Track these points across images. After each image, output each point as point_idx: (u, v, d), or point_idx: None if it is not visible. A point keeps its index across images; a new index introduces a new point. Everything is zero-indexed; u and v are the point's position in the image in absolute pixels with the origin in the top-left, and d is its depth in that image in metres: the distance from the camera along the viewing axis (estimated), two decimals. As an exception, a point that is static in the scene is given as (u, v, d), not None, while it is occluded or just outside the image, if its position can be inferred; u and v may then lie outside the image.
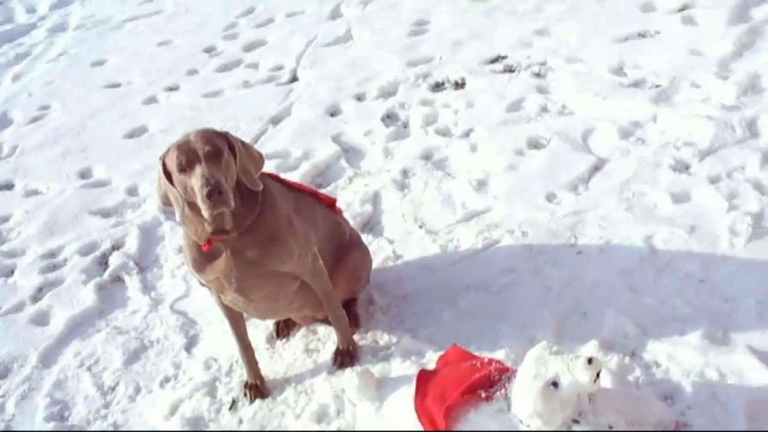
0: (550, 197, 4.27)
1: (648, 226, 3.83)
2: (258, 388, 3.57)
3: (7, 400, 3.97)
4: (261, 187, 3.17)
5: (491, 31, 6.37)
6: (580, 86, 5.20)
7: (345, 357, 3.57)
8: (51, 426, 3.72)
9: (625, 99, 4.90)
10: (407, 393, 2.87)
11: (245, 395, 3.57)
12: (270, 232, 3.21)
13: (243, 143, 3.16)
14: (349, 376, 3.03)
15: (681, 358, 3.08)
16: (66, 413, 3.81)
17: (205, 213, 2.95)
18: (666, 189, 4.03)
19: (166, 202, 3.17)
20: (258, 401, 3.54)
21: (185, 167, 2.96)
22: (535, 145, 4.78)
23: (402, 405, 2.87)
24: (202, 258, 3.24)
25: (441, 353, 3.18)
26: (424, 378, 2.89)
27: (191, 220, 3.13)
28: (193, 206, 3.05)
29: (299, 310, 3.60)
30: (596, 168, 4.41)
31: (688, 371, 3.01)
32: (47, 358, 4.18)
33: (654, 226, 3.82)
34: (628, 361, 3.13)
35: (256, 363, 3.61)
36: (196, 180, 2.92)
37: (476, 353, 3.06)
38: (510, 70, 5.71)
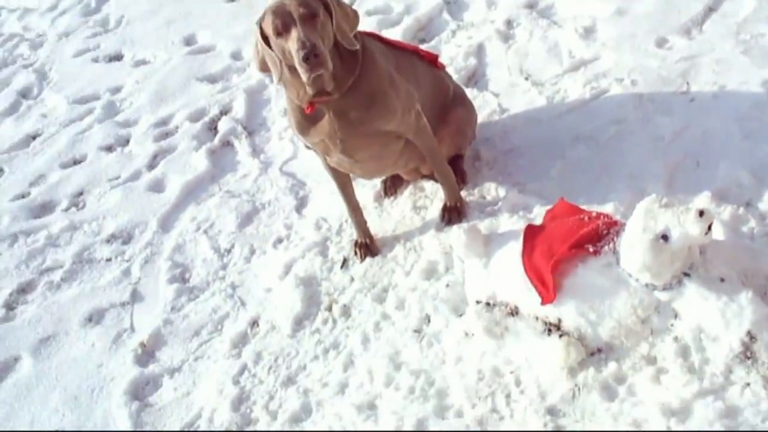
0: (661, 42, 4.09)
1: (767, 70, 3.63)
2: (368, 247, 3.62)
3: (132, 264, 4.15)
4: (358, 46, 3.12)
5: None
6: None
7: (453, 213, 3.57)
8: (174, 287, 3.89)
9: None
10: (515, 248, 2.87)
11: (355, 254, 3.64)
12: (371, 91, 3.19)
13: (338, 2, 3.10)
14: (457, 232, 3.03)
15: (801, 209, 2.98)
16: (187, 275, 3.97)
17: (304, 76, 2.94)
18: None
19: (264, 68, 3.17)
20: (368, 259, 3.60)
21: (281, 31, 2.93)
22: (644, -10, 4.56)
23: (510, 260, 2.87)
24: (306, 121, 3.25)
25: (548, 207, 3.15)
26: (531, 233, 2.88)
27: (292, 83, 3.13)
28: (292, 70, 3.04)
29: (405, 166, 3.60)
30: (711, 9, 4.17)
31: (807, 220, 2.91)
32: (166, 224, 4.34)
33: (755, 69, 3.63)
34: (742, 212, 3.03)
35: (365, 222, 3.65)
36: (292, 43, 2.90)
37: (584, 207, 3.01)
38: None
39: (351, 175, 3.59)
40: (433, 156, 3.51)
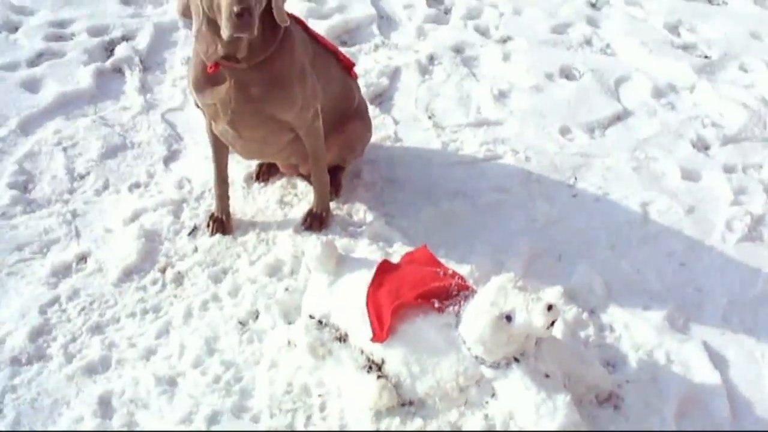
0: (564, 131, 4.17)
1: (649, 193, 3.75)
2: (222, 223, 3.53)
3: (-23, 149, 3.93)
4: (288, 23, 3.05)
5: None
6: (631, 31, 5.04)
7: (315, 221, 3.52)
8: (11, 194, 3.69)
9: (671, 59, 4.75)
10: (364, 277, 2.84)
11: (208, 226, 3.54)
12: (280, 74, 3.11)
13: None
14: (314, 242, 2.98)
15: (636, 331, 3.05)
16: (30, 186, 3.79)
17: (225, 33, 2.84)
18: (679, 162, 3.92)
19: (186, 13, 3.05)
20: (218, 236, 3.50)
21: None
22: (567, 74, 4.65)
23: (355, 287, 2.83)
24: (205, 80, 3.14)
25: (409, 249, 3.15)
26: (385, 268, 2.86)
27: (205, 37, 3.02)
28: (211, 23, 2.93)
29: (286, 159, 3.54)
30: (618, 118, 4.29)
31: (639, 346, 2.98)
32: (27, 126, 4.14)
33: (655, 194, 3.74)
34: (585, 317, 3.10)
35: (228, 198, 3.56)
36: None
37: (443, 261, 3.03)
38: (568, -9, 5.52)
39: (230, 148, 3.49)
40: (316, 159, 3.45)
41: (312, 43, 3.36)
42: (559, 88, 4.50)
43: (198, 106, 3.35)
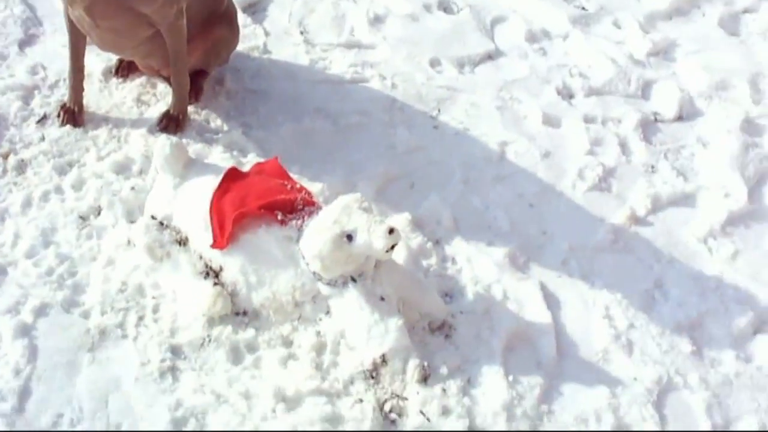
0: (434, 62, 4.16)
1: (509, 133, 3.79)
2: (73, 114, 3.40)
3: None
4: None
5: None
6: (514, -29, 5.04)
7: (171, 123, 3.43)
8: None
9: (550, 5, 4.76)
10: (210, 183, 2.79)
11: (58, 116, 3.41)
12: None
13: None
14: (164, 142, 2.90)
15: (478, 265, 3.10)
16: None
17: None
18: (542, 107, 3.96)
19: None
20: (68, 127, 3.39)
21: None
22: (445, 7, 4.62)
23: (201, 192, 2.79)
24: None
25: (261, 160, 3.11)
26: (232, 176, 2.81)
27: None
28: None
29: (143, 58, 3.42)
30: (490, 57, 4.30)
31: (478, 280, 3.03)
32: None
33: (515, 135, 3.78)
34: (429, 247, 3.13)
35: (82, 90, 3.42)
36: None
37: (296, 177, 3.00)
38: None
39: (87, 38, 3.34)
40: (177, 60, 3.35)
41: None
42: (435, 20, 4.48)
43: None
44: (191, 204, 2.79)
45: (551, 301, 3.04)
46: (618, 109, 4.07)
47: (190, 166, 2.89)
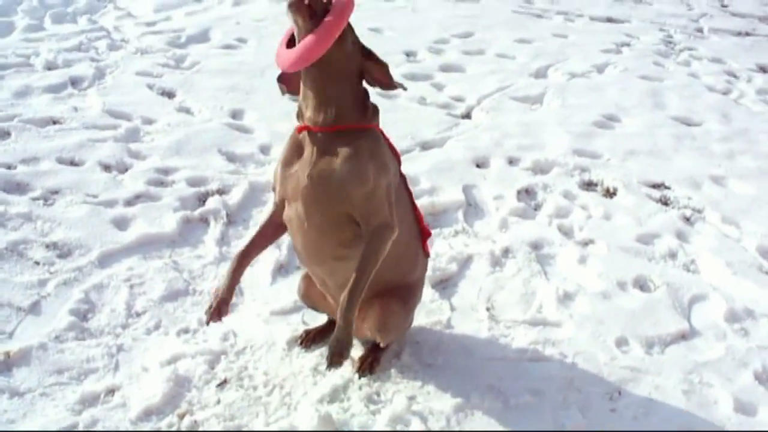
0: (621, 342, 4.04)
1: (694, 419, 3.57)
2: (219, 310, 3.36)
3: (53, 277, 4.16)
4: (396, 89, 3.25)
5: (670, 155, 6.14)
6: (719, 250, 4.90)
7: (334, 356, 3.19)
8: (70, 320, 3.87)
9: (756, 285, 4.58)
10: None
11: (205, 313, 3.40)
12: (359, 147, 3.16)
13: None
14: (311, 413, 2.94)
15: None
16: (89, 315, 3.97)
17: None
18: (734, 393, 3.72)
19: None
20: (241, 392, 3.51)
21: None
22: (641, 285, 4.54)
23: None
24: (293, 153, 3.25)
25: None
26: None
27: (300, 106, 3.23)
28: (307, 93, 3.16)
29: (337, 278, 3.36)
30: (683, 336, 4.13)
31: None
32: (104, 260, 4.37)
33: (699, 422, 3.56)
34: None
35: (240, 276, 3.42)
36: None
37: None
38: (665, 202, 5.47)
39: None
40: (360, 276, 3.16)
41: (404, 186, 3.46)
42: (628, 298, 4.39)
43: (274, 190, 3.38)
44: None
45: None
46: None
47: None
